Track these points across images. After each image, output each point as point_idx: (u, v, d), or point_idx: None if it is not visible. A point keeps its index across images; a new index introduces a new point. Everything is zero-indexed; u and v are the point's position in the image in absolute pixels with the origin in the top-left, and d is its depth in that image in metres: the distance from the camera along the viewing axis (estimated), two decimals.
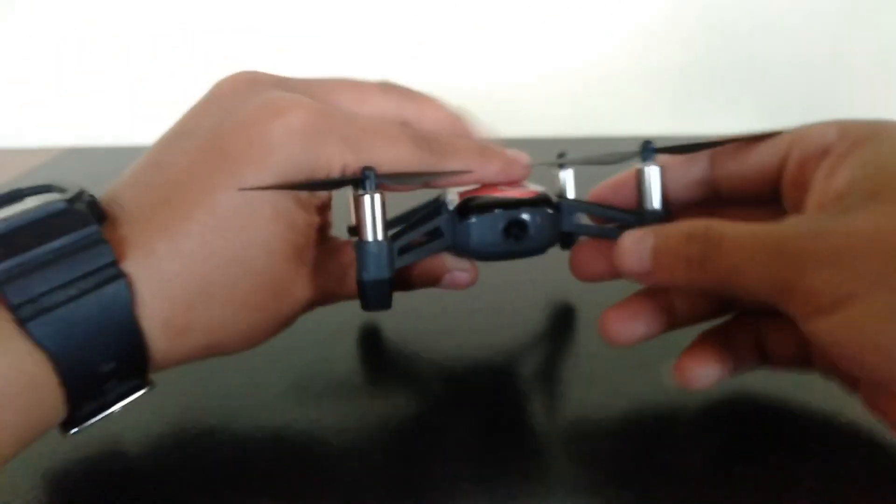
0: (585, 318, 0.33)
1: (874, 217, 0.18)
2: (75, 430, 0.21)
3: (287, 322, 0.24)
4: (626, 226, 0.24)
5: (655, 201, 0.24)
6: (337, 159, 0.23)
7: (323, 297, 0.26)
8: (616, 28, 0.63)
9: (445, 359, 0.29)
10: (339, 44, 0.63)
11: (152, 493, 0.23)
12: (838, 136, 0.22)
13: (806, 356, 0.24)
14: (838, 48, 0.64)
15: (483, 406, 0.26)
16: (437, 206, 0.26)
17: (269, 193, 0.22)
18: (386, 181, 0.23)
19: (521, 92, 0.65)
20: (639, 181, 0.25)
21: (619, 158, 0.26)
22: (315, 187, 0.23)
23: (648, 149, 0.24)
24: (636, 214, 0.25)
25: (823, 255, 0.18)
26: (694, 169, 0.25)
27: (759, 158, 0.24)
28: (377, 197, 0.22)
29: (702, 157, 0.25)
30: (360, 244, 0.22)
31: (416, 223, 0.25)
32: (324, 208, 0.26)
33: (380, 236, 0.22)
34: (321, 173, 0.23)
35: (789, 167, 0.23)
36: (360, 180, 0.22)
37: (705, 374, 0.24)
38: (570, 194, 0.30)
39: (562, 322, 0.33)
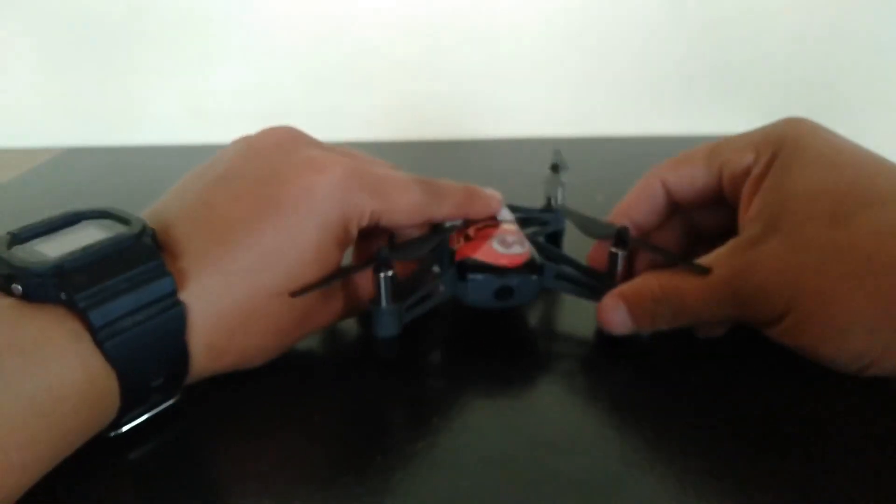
0: None
1: (775, 250, 0.25)
2: (114, 433, 0.24)
3: (300, 340, 0.28)
4: (593, 286, 0.30)
5: (620, 278, 0.30)
6: (367, 207, 0.27)
7: (337, 319, 0.29)
8: (616, 28, 0.63)
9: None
10: None
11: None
12: (755, 159, 0.28)
13: None
14: (837, 48, 0.64)
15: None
16: (440, 252, 0.31)
17: (315, 234, 0.26)
18: (396, 257, 0.28)
19: (522, 92, 0.65)
20: (610, 259, 0.30)
21: (601, 234, 0.32)
22: (345, 274, 0.28)
23: (623, 238, 0.29)
24: (603, 280, 0.30)
25: (751, 292, 0.25)
26: (656, 200, 0.31)
27: (702, 181, 0.30)
28: (389, 273, 0.27)
29: (658, 190, 0.31)
30: (376, 309, 0.27)
31: (418, 277, 0.30)
32: None
33: (391, 303, 0.27)
34: (354, 218, 0.27)
35: (724, 184, 0.29)
36: (376, 261, 0.27)
37: None
38: (561, 201, 0.36)
39: None
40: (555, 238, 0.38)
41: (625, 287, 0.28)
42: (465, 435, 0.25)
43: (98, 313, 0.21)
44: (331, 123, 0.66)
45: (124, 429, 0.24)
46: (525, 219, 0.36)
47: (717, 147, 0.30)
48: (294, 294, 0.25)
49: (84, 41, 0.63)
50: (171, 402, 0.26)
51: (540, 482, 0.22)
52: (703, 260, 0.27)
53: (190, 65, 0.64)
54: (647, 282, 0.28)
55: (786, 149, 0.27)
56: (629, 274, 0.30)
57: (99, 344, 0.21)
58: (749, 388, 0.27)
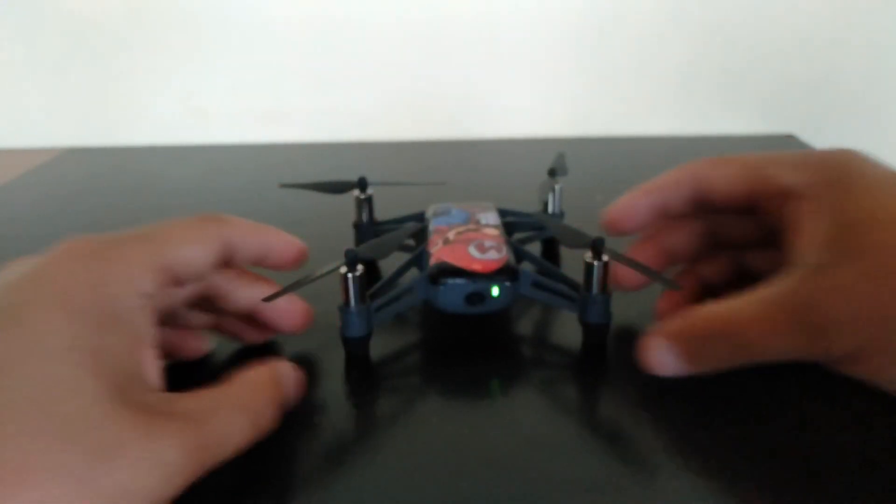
0: None
1: (850, 278, 0.23)
2: None
3: None
4: (569, 296, 0.30)
5: (596, 289, 0.29)
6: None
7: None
8: (616, 28, 0.63)
9: None
10: None
11: None
12: (801, 180, 0.26)
13: None
14: (837, 49, 0.64)
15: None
16: (418, 254, 0.31)
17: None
18: (364, 255, 0.27)
19: (522, 92, 0.65)
20: (586, 271, 0.29)
21: (577, 243, 0.30)
22: (313, 280, 0.26)
23: (598, 248, 0.28)
24: (580, 292, 0.29)
25: (824, 323, 0.23)
26: (682, 189, 0.30)
27: (737, 186, 0.28)
28: (357, 274, 0.27)
29: (688, 181, 0.29)
30: (345, 309, 0.28)
31: (394, 278, 0.30)
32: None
33: (360, 303, 0.28)
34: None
35: (759, 198, 0.28)
36: (345, 261, 0.27)
37: None
38: (555, 206, 0.37)
39: None
40: (551, 244, 0.38)
41: (671, 325, 0.26)
42: (464, 435, 0.25)
43: None
44: (331, 123, 0.66)
45: None
46: (515, 223, 0.36)
47: (758, 159, 0.29)
48: (266, 299, 0.24)
49: (84, 41, 0.63)
50: None
51: (539, 483, 0.22)
52: (761, 289, 0.25)
53: (190, 65, 0.64)
54: (696, 317, 0.26)
55: (844, 175, 0.26)
56: (606, 285, 0.29)
57: None
58: (748, 389, 0.27)
